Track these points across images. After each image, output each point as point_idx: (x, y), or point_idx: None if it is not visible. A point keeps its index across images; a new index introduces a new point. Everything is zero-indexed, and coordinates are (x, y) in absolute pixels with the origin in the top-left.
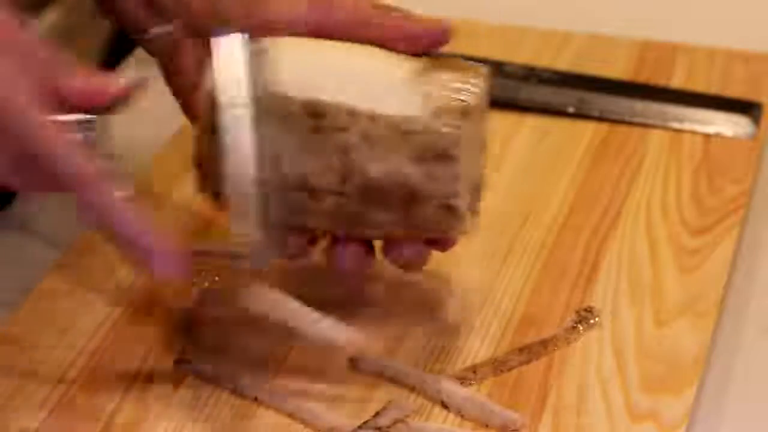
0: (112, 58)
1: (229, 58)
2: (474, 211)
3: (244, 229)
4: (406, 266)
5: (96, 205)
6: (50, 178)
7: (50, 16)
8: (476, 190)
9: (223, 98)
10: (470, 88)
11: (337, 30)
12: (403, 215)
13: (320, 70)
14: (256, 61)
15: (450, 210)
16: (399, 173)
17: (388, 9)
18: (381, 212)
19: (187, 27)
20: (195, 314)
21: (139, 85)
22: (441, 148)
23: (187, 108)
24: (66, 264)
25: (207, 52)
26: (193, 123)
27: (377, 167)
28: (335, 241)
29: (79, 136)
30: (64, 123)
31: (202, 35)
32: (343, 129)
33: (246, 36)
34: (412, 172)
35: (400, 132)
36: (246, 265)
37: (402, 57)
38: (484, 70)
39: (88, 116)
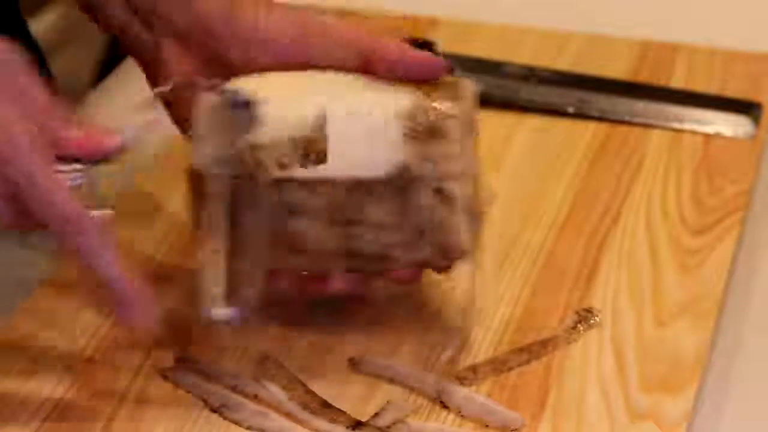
0: (112, 58)
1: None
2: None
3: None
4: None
5: (82, 248)
6: (39, 218)
7: (50, 16)
8: (473, 216)
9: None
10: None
11: (325, 56)
12: (399, 209)
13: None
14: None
15: (444, 198)
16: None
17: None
18: (375, 205)
19: (172, 37)
20: (195, 314)
21: (133, 141)
22: (433, 124)
23: (171, 113)
24: (66, 264)
25: (192, 63)
26: (182, 131)
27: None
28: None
29: (70, 183)
30: (60, 170)
31: (186, 47)
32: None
33: (230, 90)
34: (405, 151)
35: (392, 116)
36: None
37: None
38: (470, 85)
39: (81, 165)
